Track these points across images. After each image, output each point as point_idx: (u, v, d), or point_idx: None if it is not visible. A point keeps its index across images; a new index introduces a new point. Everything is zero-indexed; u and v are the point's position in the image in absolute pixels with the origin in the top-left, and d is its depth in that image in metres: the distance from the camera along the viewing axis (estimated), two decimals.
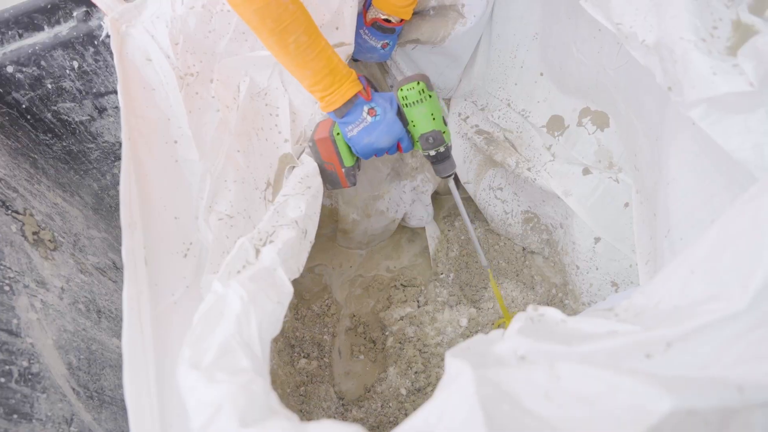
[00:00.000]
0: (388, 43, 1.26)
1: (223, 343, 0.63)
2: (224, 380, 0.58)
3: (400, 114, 1.04)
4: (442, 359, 1.47)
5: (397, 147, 1.08)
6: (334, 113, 1.01)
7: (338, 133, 1.05)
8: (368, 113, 1.01)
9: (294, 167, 1.08)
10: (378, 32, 1.23)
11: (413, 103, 1.00)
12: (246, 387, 0.57)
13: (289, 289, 0.78)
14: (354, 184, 1.14)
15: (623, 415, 0.42)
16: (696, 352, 0.45)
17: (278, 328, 0.73)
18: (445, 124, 1.06)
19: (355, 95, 0.99)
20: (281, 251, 0.81)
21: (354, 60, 1.39)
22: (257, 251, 0.81)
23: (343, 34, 1.13)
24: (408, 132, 1.06)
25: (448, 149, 1.09)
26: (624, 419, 0.42)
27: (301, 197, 0.98)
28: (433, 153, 1.07)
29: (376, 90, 1.06)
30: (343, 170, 1.10)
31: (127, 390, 0.67)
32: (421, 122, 1.03)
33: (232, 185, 0.96)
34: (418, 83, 0.98)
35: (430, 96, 1.01)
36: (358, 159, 1.12)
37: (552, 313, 0.56)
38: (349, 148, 1.08)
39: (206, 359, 0.61)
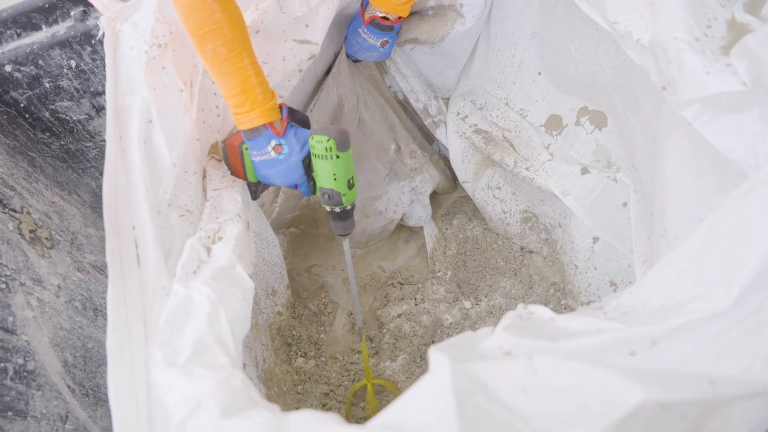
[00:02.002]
0: (387, 41, 1.26)
1: (197, 341, 0.63)
2: (204, 375, 0.58)
3: (309, 158, 1.00)
4: None
5: (295, 186, 1.05)
6: (243, 133, 0.97)
7: (247, 148, 1.01)
8: (274, 149, 0.97)
9: (215, 157, 1.05)
10: (376, 30, 1.22)
11: (317, 155, 0.96)
12: (226, 381, 0.57)
13: (251, 285, 0.77)
14: (254, 199, 1.10)
15: (593, 408, 0.42)
16: (678, 350, 0.45)
17: (247, 327, 0.73)
18: (349, 187, 1.01)
19: (263, 125, 0.95)
20: (236, 248, 0.80)
21: (355, 60, 1.38)
22: (208, 249, 0.80)
23: (312, 32, 1.10)
24: (311, 178, 1.03)
25: (345, 211, 1.05)
26: (594, 412, 0.42)
27: (233, 189, 0.96)
28: (328, 209, 1.05)
29: (304, 124, 1.01)
30: (246, 181, 1.06)
31: (112, 389, 0.65)
32: (322, 177, 0.99)
33: (192, 177, 0.92)
34: (328, 140, 0.93)
35: (337, 156, 0.95)
36: None
37: (541, 311, 0.56)
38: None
39: (182, 357, 0.61)
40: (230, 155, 1.02)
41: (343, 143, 0.94)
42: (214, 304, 0.68)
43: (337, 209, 1.04)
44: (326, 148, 0.94)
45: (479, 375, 0.46)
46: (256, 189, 1.08)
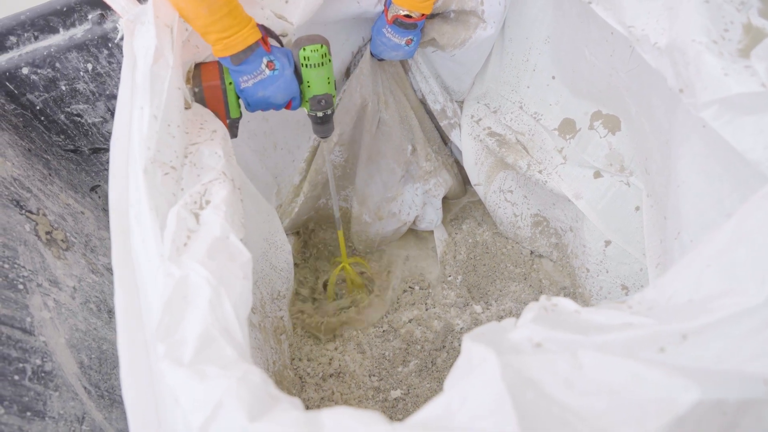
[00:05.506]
0: (412, 39, 1.26)
1: (202, 334, 0.58)
2: (218, 374, 0.54)
3: (296, 71, 1.01)
4: None
5: (287, 103, 1.05)
6: (230, 59, 0.92)
7: (230, 83, 0.98)
8: (267, 66, 0.96)
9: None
10: (400, 29, 1.23)
11: (314, 65, 0.99)
12: (244, 378, 0.54)
13: (248, 257, 0.72)
14: (235, 136, 1.05)
15: (648, 405, 0.42)
16: (711, 346, 0.45)
17: (249, 306, 0.68)
18: (335, 88, 1.06)
19: (256, 43, 0.93)
20: (227, 214, 0.75)
21: (380, 60, 1.39)
22: (196, 216, 0.74)
23: (289, 10, 1.06)
24: (300, 91, 1.04)
25: (332, 113, 1.10)
26: (649, 409, 0.42)
27: (213, 143, 0.88)
28: (320, 114, 1.08)
29: (279, 42, 1.03)
30: (227, 122, 1.01)
31: (126, 389, 0.62)
32: (317, 84, 1.02)
33: (176, 131, 0.83)
34: (322, 46, 0.97)
35: (329, 60, 1.00)
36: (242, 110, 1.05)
37: (565, 303, 0.56)
38: (238, 99, 1.01)
39: (187, 353, 0.57)
40: (209, 98, 0.98)
41: (329, 46, 0.99)
42: (215, 289, 0.63)
43: (329, 112, 1.09)
44: (322, 55, 0.98)
45: (522, 368, 0.46)
46: (237, 125, 1.05)
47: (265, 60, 0.95)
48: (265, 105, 1.02)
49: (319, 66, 0.99)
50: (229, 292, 0.64)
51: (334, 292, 1.68)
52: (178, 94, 0.86)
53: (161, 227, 0.71)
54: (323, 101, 1.05)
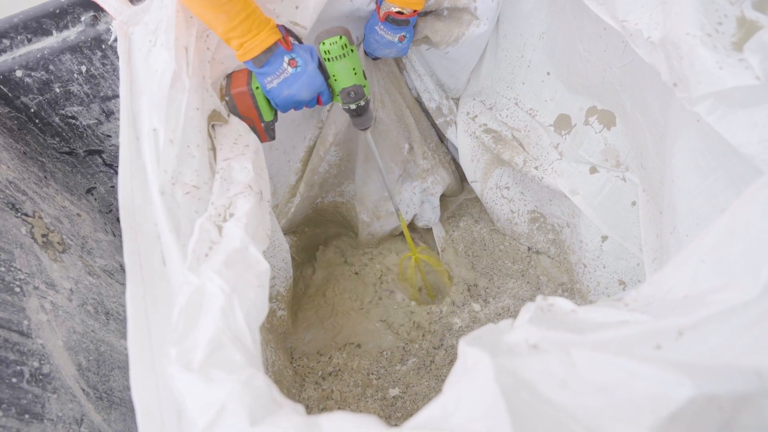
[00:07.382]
0: (405, 36, 1.26)
1: (212, 340, 0.60)
2: (224, 379, 0.56)
3: (321, 66, 1.02)
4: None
5: (317, 100, 1.06)
6: (252, 62, 0.96)
7: (257, 87, 1.01)
8: (289, 64, 0.98)
9: (216, 125, 0.99)
10: (393, 26, 1.22)
11: (335, 57, 1.00)
12: (248, 383, 0.55)
13: (266, 267, 0.73)
14: (273, 139, 1.10)
15: (642, 402, 0.42)
16: (706, 340, 0.45)
17: (264, 313, 0.69)
18: (365, 77, 1.06)
19: (275, 44, 0.95)
20: (248, 226, 0.77)
21: (374, 58, 1.39)
22: (219, 228, 0.76)
23: (301, 15, 1.08)
24: (328, 85, 1.05)
25: (368, 103, 1.10)
26: (643, 406, 0.42)
27: (244, 157, 0.91)
28: (353, 107, 1.09)
29: (299, 41, 1.03)
30: (262, 125, 1.05)
31: (135, 390, 0.64)
32: (343, 77, 1.03)
33: (196, 150, 0.86)
34: (341, 37, 0.98)
35: (352, 50, 1.00)
36: (276, 112, 1.09)
37: (561, 303, 0.56)
38: (269, 101, 1.04)
39: (197, 358, 0.59)
40: (239, 103, 1.01)
41: (350, 37, 0.99)
42: (228, 297, 0.65)
43: (362, 102, 1.08)
44: (342, 46, 0.98)
45: (517, 370, 0.46)
46: (273, 127, 1.08)
47: (286, 58, 0.97)
48: (294, 103, 1.04)
49: (341, 58, 1.00)
50: (241, 300, 0.66)
51: (417, 292, 1.66)
52: (197, 114, 0.88)
53: (183, 243, 0.75)
54: (352, 93, 1.05)
